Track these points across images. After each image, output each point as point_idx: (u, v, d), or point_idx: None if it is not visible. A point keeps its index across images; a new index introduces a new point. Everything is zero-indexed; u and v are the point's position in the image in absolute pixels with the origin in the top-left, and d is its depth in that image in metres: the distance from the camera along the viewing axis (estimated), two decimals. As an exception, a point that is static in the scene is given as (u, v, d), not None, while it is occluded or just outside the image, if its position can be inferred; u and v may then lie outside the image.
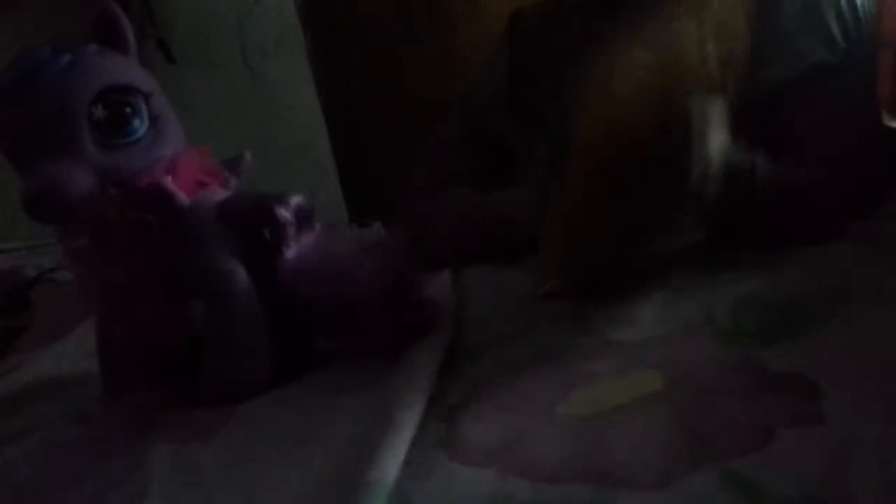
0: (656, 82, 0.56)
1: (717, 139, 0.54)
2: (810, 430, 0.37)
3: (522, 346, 0.53)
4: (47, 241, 0.96)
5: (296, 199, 0.54)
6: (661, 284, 0.57)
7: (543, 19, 0.87)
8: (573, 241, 0.60)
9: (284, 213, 0.53)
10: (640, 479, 0.36)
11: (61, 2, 1.60)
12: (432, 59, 1.77)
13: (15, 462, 0.51)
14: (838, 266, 0.54)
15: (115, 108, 0.50)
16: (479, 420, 0.45)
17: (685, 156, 0.53)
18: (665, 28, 0.59)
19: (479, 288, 0.67)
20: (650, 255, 0.62)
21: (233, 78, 1.85)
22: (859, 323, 0.45)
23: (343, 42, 1.85)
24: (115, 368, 0.58)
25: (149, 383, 0.57)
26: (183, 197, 0.52)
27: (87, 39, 0.53)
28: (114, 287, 0.53)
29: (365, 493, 0.38)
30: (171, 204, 0.52)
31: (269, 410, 0.51)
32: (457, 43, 1.74)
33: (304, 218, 0.55)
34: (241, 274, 0.53)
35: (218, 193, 0.55)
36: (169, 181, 0.52)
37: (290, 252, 0.53)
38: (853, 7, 0.69)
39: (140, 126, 0.52)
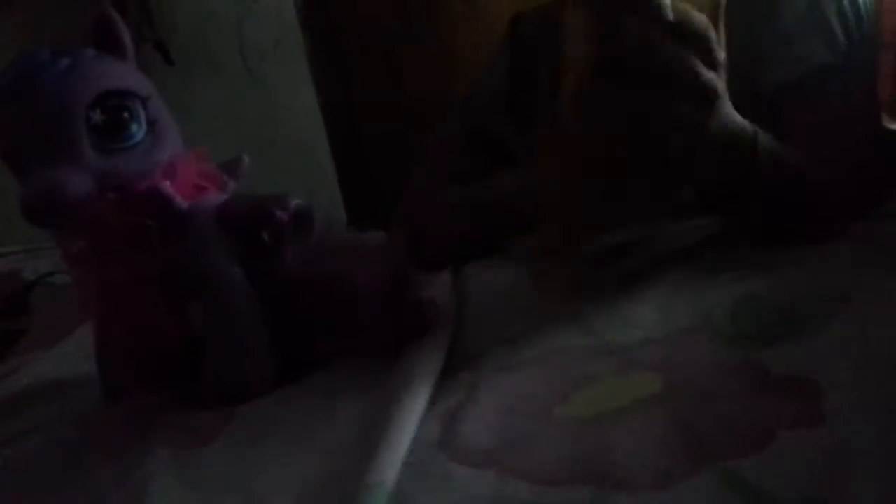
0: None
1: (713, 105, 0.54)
2: (810, 431, 0.37)
3: (522, 348, 0.53)
4: (46, 245, 0.96)
5: (294, 202, 0.54)
6: (661, 285, 0.57)
7: (544, 22, 0.87)
8: (570, 199, 0.60)
9: (283, 216, 0.53)
10: (639, 480, 0.36)
11: (61, 3, 1.60)
12: (432, 60, 1.77)
13: (14, 464, 0.51)
14: (838, 266, 0.54)
15: (112, 113, 0.51)
16: (478, 421, 0.45)
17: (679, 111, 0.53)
18: None
19: (478, 288, 0.67)
20: (644, 211, 0.62)
21: (232, 79, 1.85)
22: (859, 323, 0.45)
23: (342, 43, 1.85)
24: (114, 371, 0.58)
25: (148, 385, 0.57)
26: (181, 201, 0.52)
27: (85, 43, 0.53)
28: (113, 290, 0.53)
29: (365, 495, 0.38)
30: (169, 208, 0.52)
31: (268, 411, 0.51)
32: (456, 44, 1.74)
33: (302, 220, 0.55)
34: (239, 276, 0.53)
35: (216, 197, 0.55)
36: (167, 185, 0.52)
37: (289, 254, 0.53)
38: (855, 7, 0.69)
39: (138, 130, 0.52)
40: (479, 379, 0.50)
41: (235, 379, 0.53)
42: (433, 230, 0.80)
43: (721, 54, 0.55)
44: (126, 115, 0.51)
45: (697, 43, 0.53)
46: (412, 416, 0.44)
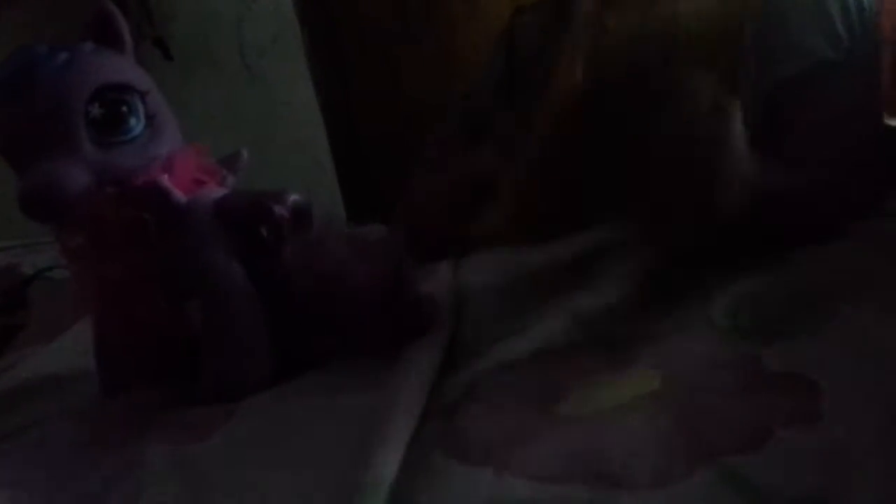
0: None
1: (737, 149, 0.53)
2: (809, 430, 0.37)
3: (521, 345, 0.53)
4: (44, 239, 0.96)
5: (293, 198, 0.54)
6: (661, 284, 0.57)
7: (543, 18, 0.87)
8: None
9: (282, 212, 0.53)
10: (638, 478, 0.36)
11: (61, 3, 1.60)
12: (430, 59, 1.77)
13: (12, 460, 0.51)
14: (838, 266, 0.54)
15: (111, 107, 0.50)
16: (477, 419, 0.45)
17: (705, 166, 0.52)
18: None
19: (478, 286, 0.67)
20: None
21: (230, 76, 1.85)
22: (859, 322, 0.45)
23: (341, 41, 1.85)
24: (112, 367, 0.57)
25: (147, 381, 0.57)
26: (180, 195, 0.52)
27: (84, 38, 0.53)
28: (111, 285, 0.53)
29: (364, 493, 0.37)
30: (167, 202, 0.52)
31: (267, 410, 0.51)
32: (455, 43, 1.74)
33: (301, 216, 0.54)
34: (238, 272, 0.53)
35: (215, 191, 0.55)
36: (165, 179, 0.52)
37: (287, 250, 0.53)
38: (859, 4, 0.68)
39: (136, 124, 0.52)
40: (478, 376, 0.50)
41: (234, 376, 0.53)
42: (428, 215, 0.80)
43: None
44: (124, 108, 0.51)
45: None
46: (411, 413, 0.44)
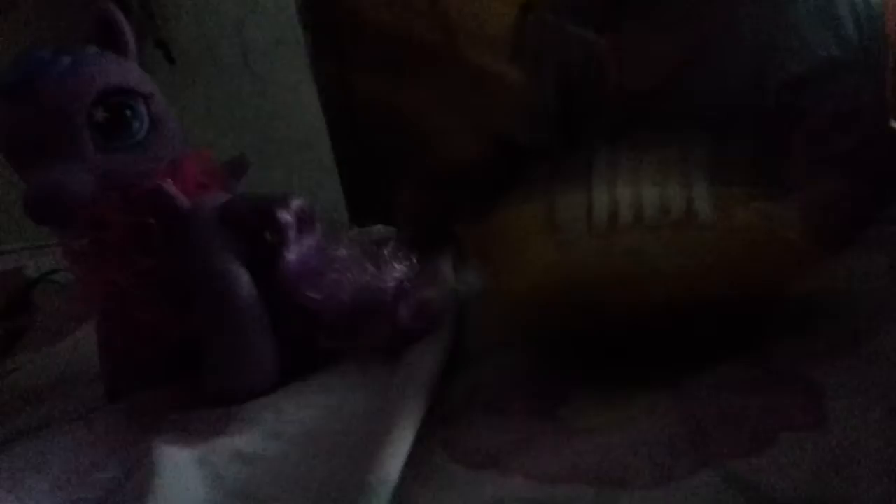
0: None
1: None
2: (811, 432, 0.37)
3: (523, 347, 0.53)
4: (48, 243, 0.96)
5: (297, 201, 0.54)
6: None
7: (557, 14, 0.87)
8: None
9: (285, 216, 0.53)
10: (640, 479, 0.36)
11: (62, 3, 1.60)
12: (432, 60, 1.77)
13: (16, 463, 0.51)
14: (840, 266, 0.54)
15: (115, 111, 0.51)
16: (480, 421, 0.45)
17: None
18: None
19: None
20: None
21: (233, 78, 1.85)
22: (861, 324, 0.45)
23: (343, 43, 1.85)
24: (116, 370, 0.58)
25: (151, 384, 0.57)
26: (184, 199, 0.52)
27: (87, 41, 0.53)
28: (115, 289, 0.53)
29: (367, 493, 0.38)
30: (172, 206, 0.52)
31: (269, 411, 0.51)
32: (457, 44, 1.74)
33: (305, 220, 0.55)
34: (242, 276, 0.53)
35: (219, 196, 0.55)
36: (170, 183, 0.52)
37: (291, 254, 0.53)
38: (868, 2, 0.68)
39: (140, 128, 0.52)
40: (480, 378, 0.50)
41: (238, 379, 0.53)
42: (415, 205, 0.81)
43: None
44: (128, 112, 0.51)
45: None
46: (414, 414, 0.44)
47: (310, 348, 0.57)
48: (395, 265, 0.56)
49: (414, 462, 0.41)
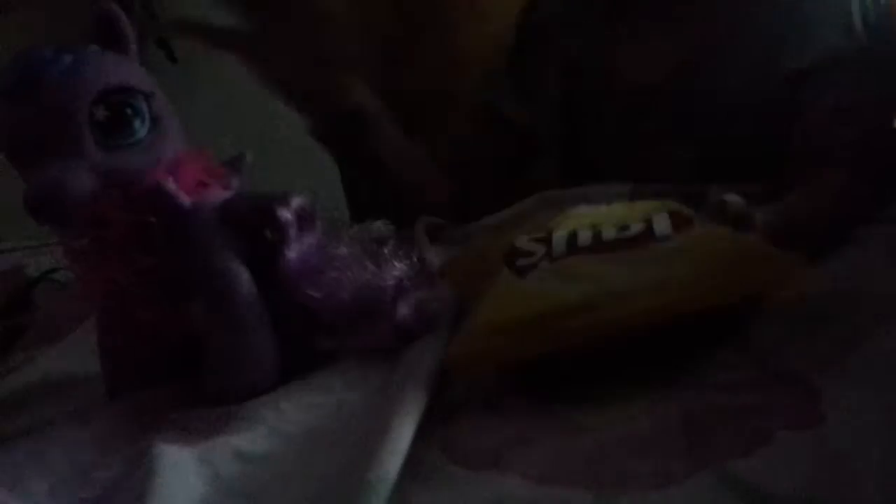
0: None
1: None
2: (809, 431, 0.37)
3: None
4: (49, 242, 0.96)
5: (297, 200, 0.54)
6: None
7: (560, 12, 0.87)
8: None
9: (286, 214, 0.53)
10: (639, 479, 0.36)
11: (62, 3, 1.60)
12: (431, 59, 1.77)
13: (16, 462, 0.51)
14: (840, 266, 0.54)
15: (116, 109, 0.51)
16: (479, 420, 0.45)
17: None
18: None
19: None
20: None
21: (234, 77, 1.84)
22: (861, 324, 0.45)
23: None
24: (116, 368, 0.58)
25: (151, 382, 0.57)
26: (184, 198, 0.52)
27: (88, 40, 0.53)
28: (115, 288, 0.53)
29: (366, 491, 0.38)
30: (172, 205, 0.52)
31: (268, 410, 0.51)
32: (457, 43, 1.74)
33: (305, 218, 0.55)
34: (243, 274, 0.53)
35: (219, 194, 0.55)
36: (170, 182, 0.52)
37: (292, 252, 0.53)
38: None
39: (141, 127, 0.52)
40: (479, 378, 0.50)
41: (239, 377, 0.53)
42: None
43: None
44: (129, 111, 0.51)
45: None
46: (413, 413, 0.44)
47: (310, 347, 0.57)
48: (396, 264, 0.57)
49: (413, 461, 0.41)
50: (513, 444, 0.42)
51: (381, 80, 0.88)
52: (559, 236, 0.52)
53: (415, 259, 0.58)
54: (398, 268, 0.56)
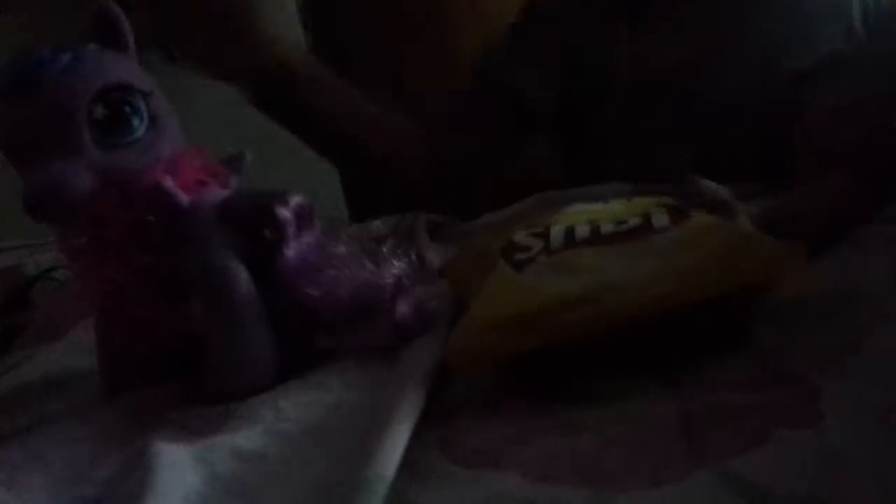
0: None
1: None
2: (808, 430, 0.37)
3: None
4: (47, 240, 0.96)
5: (296, 198, 0.54)
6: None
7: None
8: None
9: (285, 213, 0.53)
10: (638, 478, 0.36)
11: (61, 3, 1.60)
12: (432, 60, 1.77)
13: (15, 460, 0.51)
14: (839, 266, 0.54)
15: (115, 108, 0.51)
16: (477, 419, 0.45)
17: None
18: None
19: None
20: None
21: (234, 76, 1.85)
22: (861, 323, 0.45)
23: (343, 42, 1.85)
24: (115, 367, 0.58)
25: (149, 381, 0.57)
26: (183, 196, 0.52)
27: (87, 38, 0.53)
28: (113, 286, 0.53)
29: (364, 489, 0.37)
30: (171, 204, 0.52)
31: (267, 408, 0.51)
32: (457, 43, 1.74)
33: (304, 217, 0.54)
34: (241, 273, 0.53)
35: (218, 193, 0.55)
36: (169, 181, 0.52)
37: (291, 251, 0.53)
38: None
39: (140, 125, 0.52)
40: (478, 377, 0.50)
41: (238, 375, 0.53)
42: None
43: None
44: (128, 109, 0.51)
45: None
46: (412, 411, 0.44)
47: (308, 345, 0.57)
48: (394, 262, 0.57)
49: (411, 460, 0.41)
50: (511, 443, 0.42)
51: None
52: (557, 231, 0.52)
53: (414, 257, 0.58)
54: (397, 266, 0.56)
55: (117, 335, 0.57)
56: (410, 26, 1.81)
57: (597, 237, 0.50)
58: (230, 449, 0.46)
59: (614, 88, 0.84)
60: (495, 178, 0.89)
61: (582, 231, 0.51)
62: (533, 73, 0.87)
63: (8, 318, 0.86)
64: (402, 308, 0.55)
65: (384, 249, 0.58)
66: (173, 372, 0.56)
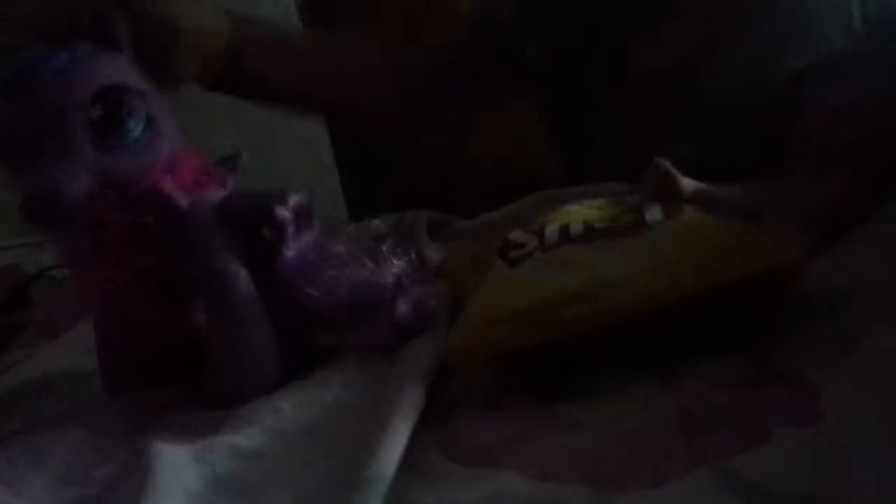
0: None
1: None
2: (808, 430, 0.37)
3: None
4: (47, 238, 0.96)
5: (295, 198, 0.54)
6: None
7: None
8: None
9: (283, 212, 0.53)
10: (638, 477, 0.36)
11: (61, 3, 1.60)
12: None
13: (14, 460, 0.51)
14: (839, 265, 0.54)
15: (111, 109, 0.50)
16: (477, 418, 0.45)
17: None
18: None
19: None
20: None
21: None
22: (860, 323, 0.45)
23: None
24: (115, 367, 0.58)
25: (149, 382, 0.57)
26: (181, 198, 0.52)
27: (81, 38, 0.53)
28: (113, 289, 0.53)
29: (363, 488, 0.38)
30: (169, 206, 0.51)
31: (267, 408, 0.51)
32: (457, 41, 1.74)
33: (303, 216, 0.54)
34: (241, 274, 0.53)
35: (216, 193, 0.54)
36: (167, 182, 0.51)
37: (290, 251, 0.53)
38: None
39: (136, 126, 0.51)
40: (478, 374, 0.50)
41: (238, 379, 0.53)
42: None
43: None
44: (125, 110, 0.51)
45: None
46: (411, 410, 0.44)
47: (309, 345, 0.57)
48: (394, 261, 0.56)
49: (411, 459, 0.41)
50: (511, 442, 0.42)
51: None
52: (552, 228, 0.52)
53: (413, 256, 0.58)
54: (397, 265, 0.56)
55: (117, 336, 0.56)
56: (412, 25, 1.80)
57: (591, 232, 0.50)
58: (229, 448, 0.46)
59: (613, 86, 0.84)
60: (469, 127, 0.89)
61: (576, 227, 0.51)
62: (534, 28, 0.87)
63: (7, 317, 0.86)
64: (402, 307, 0.55)
65: (384, 248, 0.57)
66: (173, 373, 0.56)
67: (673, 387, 0.44)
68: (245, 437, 0.48)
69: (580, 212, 0.55)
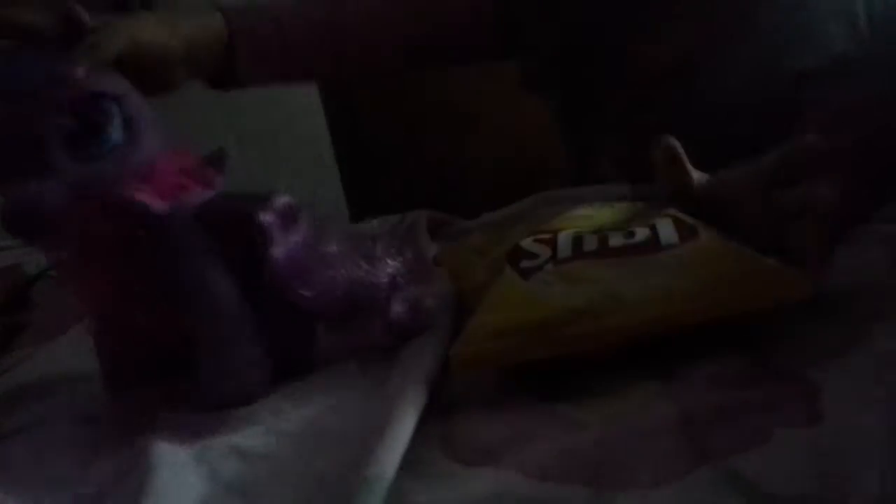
0: None
1: None
2: (808, 429, 0.37)
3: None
4: (35, 248, 0.96)
5: (280, 199, 0.53)
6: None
7: None
8: None
9: (265, 218, 0.51)
10: (638, 477, 0.36)
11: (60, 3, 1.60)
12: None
13: (15, 459, 0.51)
14: (838, 265, 0.54)
15: (86, 118, 0.49)
16: (477, 418, 0.45)
17: None
18: None
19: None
20: None
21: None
22: (860, 323, 0.45)
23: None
24: (114, 368, 0.57)
25: (149, 382, 0.57)
26: (160, 206, 0.50)
27: (52, 41, 0.52)
28: (101, 297, 0.53)
29: (364, 489, 0.38)
30: (147, 215, 0.50)
31: (267, 408, 0.51)
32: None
33: (290, 217, 0.53)
34: (223, 281, 0.52)
35: (199, 195, 0.53)
36: (143, 191, 0.50)
37: (279, 253, 0.52)
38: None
39: (114, 132, 0.50)
40: (479, 375, 0.50)
41: (229, 387, 0.52)
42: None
43: None
44: (101, 118, 0.49)
45: None
46: (412, 410, 0.44)
47: (307, 346, 0.57)
48: (389, 261, 0.56)
49: (411, 459, 0.41)
50: (511, 442, 0.41)
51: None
52: (564, 239, 0.52)
53: (409, 255, 0.58)
54: (391, 265, 0.56)
55: (115, 339, 0.56)
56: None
57: (604, 249, 0.50)
58: (229, 448, 0.46)
59: (613, 86, 0.84)
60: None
61: (590, 241, 0.51)
62: (535, 28, 0.87)
63: (8, 317, 0.85)
64: (397, 307, 0.54)
65: (378, 248, 0.57)
66: (172, 373, 0.56)
67: (673, 387, 0.44)
68: (245, 437, 0.48)
69: (591, 216, 0.55)
